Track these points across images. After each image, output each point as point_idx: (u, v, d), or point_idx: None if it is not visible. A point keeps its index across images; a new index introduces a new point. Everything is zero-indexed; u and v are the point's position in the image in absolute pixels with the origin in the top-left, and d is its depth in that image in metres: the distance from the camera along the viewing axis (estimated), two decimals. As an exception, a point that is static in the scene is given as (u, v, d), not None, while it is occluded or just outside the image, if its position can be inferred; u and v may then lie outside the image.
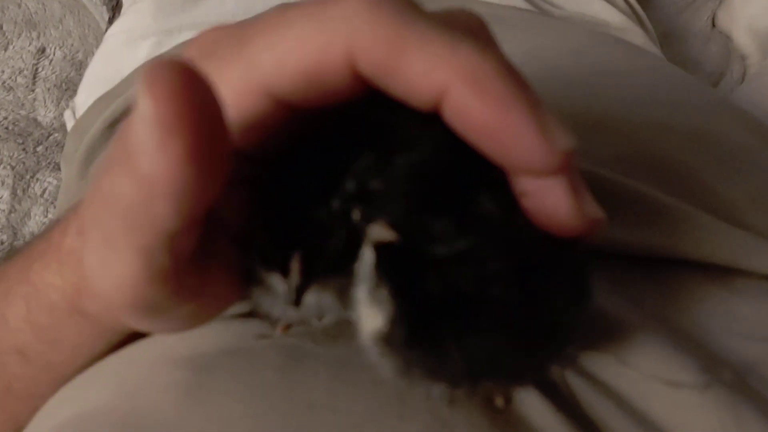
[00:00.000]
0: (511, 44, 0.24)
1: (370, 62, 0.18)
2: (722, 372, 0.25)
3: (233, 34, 0.21)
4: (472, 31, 0.20)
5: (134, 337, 0.29)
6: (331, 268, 0.20)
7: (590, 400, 0.24)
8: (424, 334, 0.19)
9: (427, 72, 0.18)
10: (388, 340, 0.19)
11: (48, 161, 0.73)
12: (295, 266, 0.20)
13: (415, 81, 0.18)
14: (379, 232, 0.19)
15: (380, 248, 0.19)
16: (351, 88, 0.19)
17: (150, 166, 0.16)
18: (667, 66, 0.54)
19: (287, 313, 0.23)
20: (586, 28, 0.59)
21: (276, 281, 0.21)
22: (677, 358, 0.24)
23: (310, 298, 0.21)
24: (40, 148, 0.74)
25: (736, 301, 0.28)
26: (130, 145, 0.16)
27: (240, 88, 0.19)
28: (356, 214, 0.20)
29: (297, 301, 0.20)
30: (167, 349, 0.27)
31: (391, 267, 0.19)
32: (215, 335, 0.27)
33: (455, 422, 0.23)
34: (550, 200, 0.19)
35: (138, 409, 0.25)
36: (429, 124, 0.19)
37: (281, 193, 0.21)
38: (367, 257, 0.19)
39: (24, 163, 0.73)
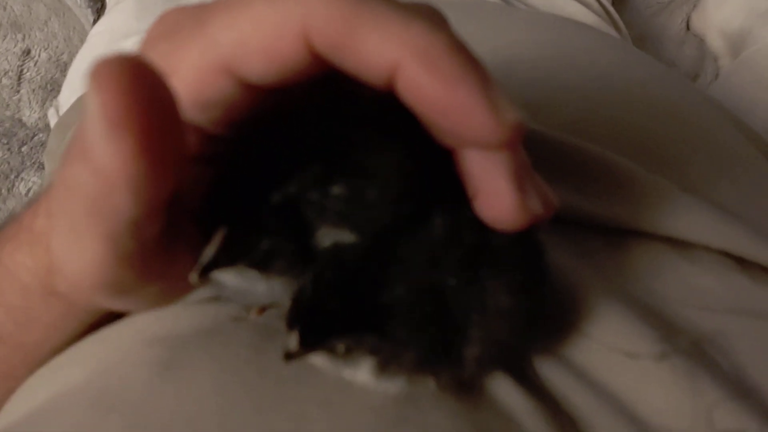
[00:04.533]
0: (482, 34, 0.24)
1: (324, 40, 0.18)
2: (679, 341, 0.25)
3: (194, 14, 0.21)
4: (426, 14, 0.20)
5: (111, 317, 0.29)
6: (258, 258, 0.20)
7: (551, 375, 0.24)
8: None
9: (380, 49, 0.18)
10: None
11: (33, 161, 0.74)
12: (217, 238, 0.20)
13: (367, 58, 0.18)
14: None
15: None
16: (309, 67, 0.19)
17: (103, 160, 0.16)
18: (641, 53, 0.54)
19: (251, 296, 0.22)
20: (559, 18, 0.60)
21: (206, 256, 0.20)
22: (636, 328, 0.25)
23: (232, 279, 0.21)
24: (24, 149, 0.74)
25: (695, 273, 0.29)
26: (85, 139, 0.17)
27: (200, 67, 0.20)
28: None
29: (202, 275, 0.20)
30: (142, 330, 0.27)
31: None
32: (190, 317, 0.27)
33: (424, 401, 0.23)
34: (494, 194, 0.20)
35: (111, 386, 0.24)
36: (384, 104, 0.19)
37: (238, 176, 0.21)
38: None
39: (9, 162, 0.73)
